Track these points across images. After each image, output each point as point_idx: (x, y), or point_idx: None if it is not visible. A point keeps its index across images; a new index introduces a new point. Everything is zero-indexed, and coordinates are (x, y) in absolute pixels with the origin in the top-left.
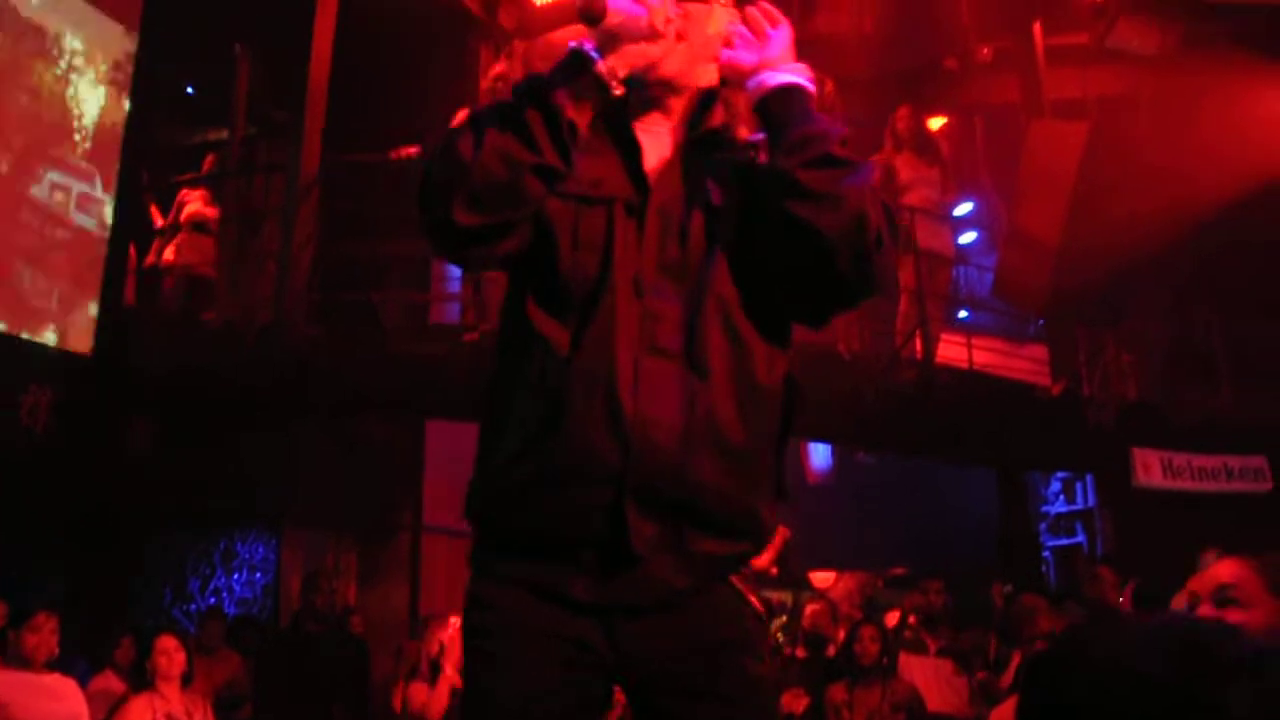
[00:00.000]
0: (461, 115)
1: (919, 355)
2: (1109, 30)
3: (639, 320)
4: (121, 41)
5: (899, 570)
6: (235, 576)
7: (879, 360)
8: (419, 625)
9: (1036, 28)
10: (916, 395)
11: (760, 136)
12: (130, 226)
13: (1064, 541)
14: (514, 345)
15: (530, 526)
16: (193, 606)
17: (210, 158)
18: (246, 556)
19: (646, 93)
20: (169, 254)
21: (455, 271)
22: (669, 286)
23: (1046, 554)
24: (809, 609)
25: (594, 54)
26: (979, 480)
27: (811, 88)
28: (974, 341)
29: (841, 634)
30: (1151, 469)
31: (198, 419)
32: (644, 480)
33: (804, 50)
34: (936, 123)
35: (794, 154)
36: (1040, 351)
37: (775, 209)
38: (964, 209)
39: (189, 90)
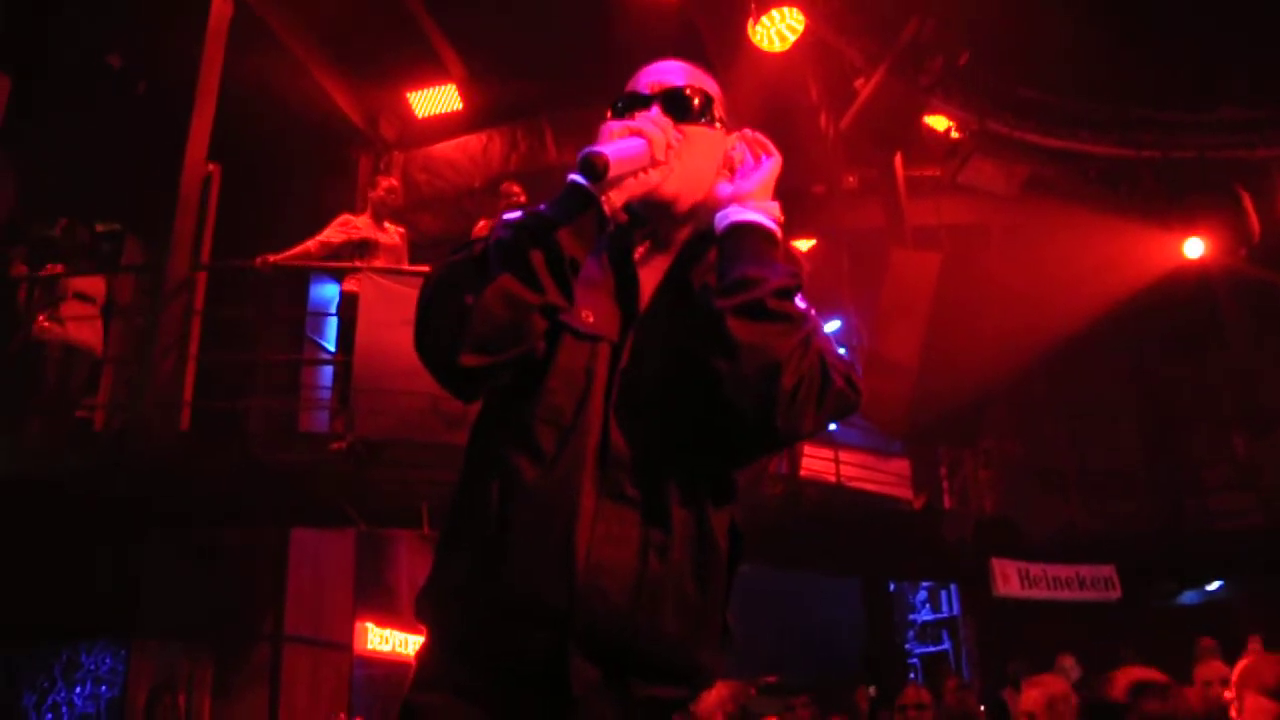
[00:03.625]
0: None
1: (785, 469)
2: (961, 169)
3: (606, 464)
4: None
5: (771, 678)
6: (77, 690)
7: (747, 474)
8: None
9: (898, 159)
10: (785, 508)
11: None
12: None
13: (931, 649)
14: (483, 464)
15: (477, 648)
16: None
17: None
18: (91, 668)
19: (647, 222)
20: (47, 324)
21: (325, 379)
22: (640, 430)
23: (914, 660)
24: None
25: (595, 189)
26: (848, 589)
27: (774, 228)
28: (840, 456)
29: None
30: (1010, 579)
31: (43, 523)
32: (589, 626)
33: None
34: (805, 244)
35: (727, 296)
36: (903, 466)
37: (697, 350)
38: (831, 327)
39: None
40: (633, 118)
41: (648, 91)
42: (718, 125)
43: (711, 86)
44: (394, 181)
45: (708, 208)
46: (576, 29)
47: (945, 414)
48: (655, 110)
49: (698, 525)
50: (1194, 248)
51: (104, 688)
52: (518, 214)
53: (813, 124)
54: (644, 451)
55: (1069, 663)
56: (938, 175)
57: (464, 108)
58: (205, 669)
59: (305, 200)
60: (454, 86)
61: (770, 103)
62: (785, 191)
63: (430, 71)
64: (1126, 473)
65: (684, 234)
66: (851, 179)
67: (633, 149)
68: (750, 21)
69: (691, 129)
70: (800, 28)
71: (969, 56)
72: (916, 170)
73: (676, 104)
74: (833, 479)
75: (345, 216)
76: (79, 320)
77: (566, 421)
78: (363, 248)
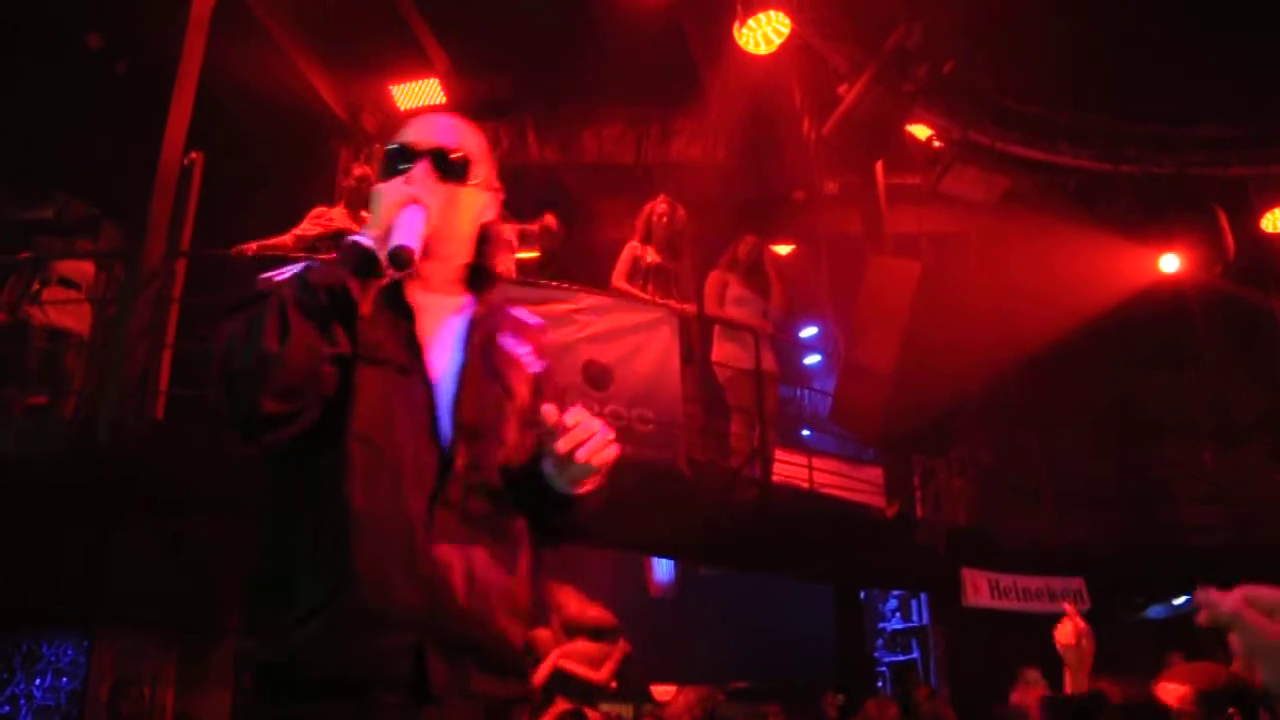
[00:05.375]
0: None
1: (759, 474)
2: (941, 177)
3: (429, 474)
4: None
5: (740, 684)
6: (37, 682)
7: (720, 478)
8: None
9: (879, 167)
10: (757, 513)
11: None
12: None
13: (900, 657)
14: (295, 497)
15: (331, 675)
16: None
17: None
18: (51, 659)
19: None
20: (30, 309)
21: None
22: (460, 443)
23: (883, 669)
24: None
25: (373, 247)
26: (818, 596)
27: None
28: (813, 462)
29: None
30: (980, 589)
31: (7, 510)
32: (443, 623)
33: (660, 175)
34: (784, 249)
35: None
36: (876, 474)
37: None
38: (808, 332)
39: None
40: (408, 180)
41: (416, 146)
42: (475, 184)
43: (476, 146)
44: (366, 169)
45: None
46: (561, 26)
47: (920, 422)
48: (423, 166)
49: (508, 527)
50: (1170, 263)
51: (65, 680)
52: (302, 270)
53: (795, 129)
54: (467, 464)
55: (1034, 676)
56: (919, 183)
57: (446, 101)
58: (169, 663)
59: (284, 191)
60: (437, 80)
61: (754, 106)
62: (765, 196)
63: (414, 64)
64: (1099, 485)
65: (443, 270)
66: (832, 185)
67: (419, 224)
68: (736, 23)
69: (451, 187)
70: (786, 31)
71: (954, 65)
72: (898, 178)
73: (442, 163)
74: (805, 485)
75: (319, 209)
76: (62, 306)
77: (380, 442)
78: (337, 239)
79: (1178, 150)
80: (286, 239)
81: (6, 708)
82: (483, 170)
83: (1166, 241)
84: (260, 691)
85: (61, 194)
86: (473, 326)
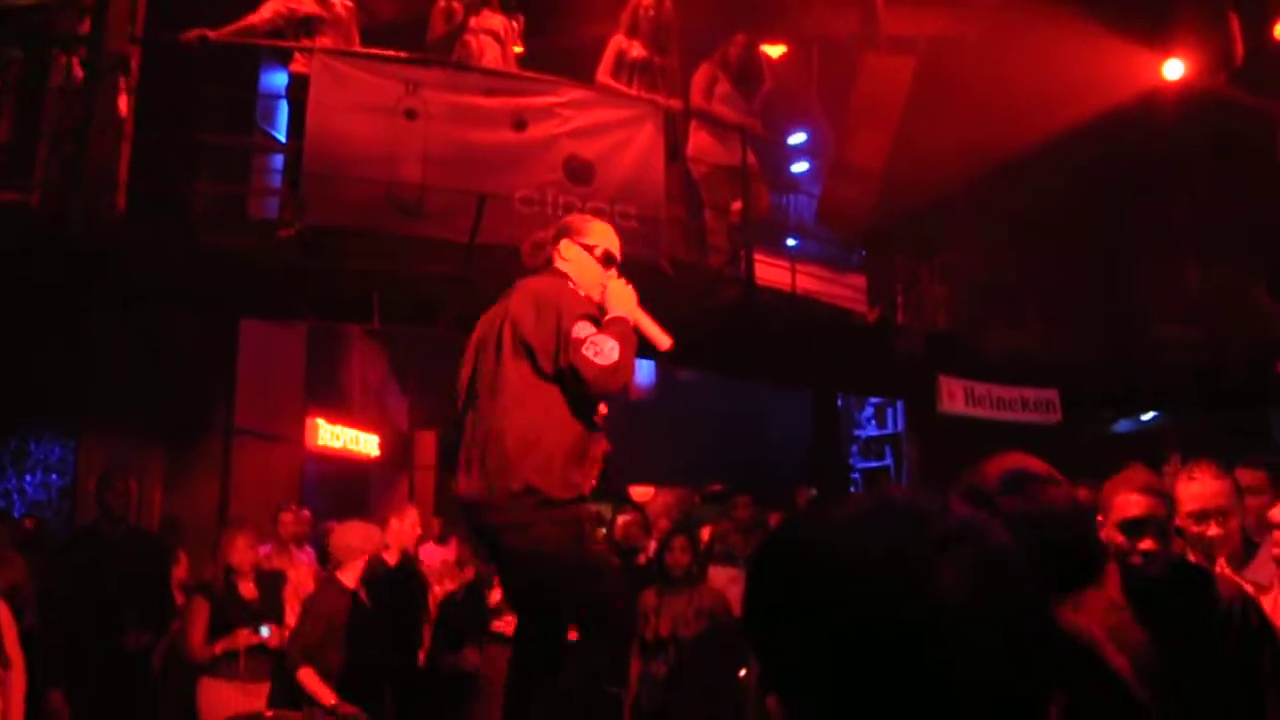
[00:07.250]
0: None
1: (742, 274)
2: None
3: None
4: None
5: (716, 486)
6: (27, 478)
7: (702, 276)
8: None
9: None
10: (738, 313)
11: None
12: None
13: (873, 464)
14: (570, 407)
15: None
16: None
17: None
18: (40, 457)
19: None
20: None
21: (276, 164)
22: None
23: (856, 475)
24: (620, 520)
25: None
26: (796, 402)
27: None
28: (797, 267)
29: (653, 545)
30: (956, 396)
31: None
32: None
33: None
34: (776, 50)
35: None
36: (860, 280)
37: None
38: (797, 139)
39: None
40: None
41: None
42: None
43: None
44: None
45: None
46: None
47: (906, 224)
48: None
49: None
50: (1174, 69)
51: (54, 476)
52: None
53: None
54: None
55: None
56: None
57: None
58: (155, 459)
59: None
60: None
61: None
62: None
63: None
64: (1080, 298)
65: None
66: None
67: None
68: None
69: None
70: None
71: None
72: None
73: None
74: (788, 288)
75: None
76: None
77: None
78: (307, 24)
79: None
80: (254, 19)
81: (1, 502)
82: None
83: (1172, 45)
84: (557, 502)
85: None
86: None
